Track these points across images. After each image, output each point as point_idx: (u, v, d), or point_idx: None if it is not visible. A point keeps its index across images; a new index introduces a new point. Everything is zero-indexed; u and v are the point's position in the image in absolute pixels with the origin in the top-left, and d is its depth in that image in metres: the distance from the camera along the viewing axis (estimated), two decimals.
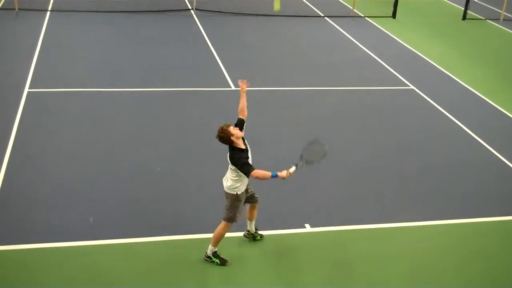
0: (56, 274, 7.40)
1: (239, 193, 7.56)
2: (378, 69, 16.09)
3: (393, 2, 21.72)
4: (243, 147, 7.43)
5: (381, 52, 17.42)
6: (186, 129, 11.74)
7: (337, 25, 20.22)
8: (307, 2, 22.92)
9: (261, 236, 8.41)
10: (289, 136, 11.62)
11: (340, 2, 23.47)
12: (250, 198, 7.91)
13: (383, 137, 12.01)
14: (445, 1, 25.62)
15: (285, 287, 7.53)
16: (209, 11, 20.62)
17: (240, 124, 7.62)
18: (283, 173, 7.39)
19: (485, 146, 11.79)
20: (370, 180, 10.27)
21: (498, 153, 11.51)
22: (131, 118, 12.07)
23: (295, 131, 11.92)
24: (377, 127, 12.44)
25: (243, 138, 7.50)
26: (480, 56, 18.07)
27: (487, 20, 22.46)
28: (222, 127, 7.31)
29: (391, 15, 21.72)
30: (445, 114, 13.22)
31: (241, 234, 8.38)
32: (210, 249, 7.82)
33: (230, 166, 7.44)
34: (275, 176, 7.30)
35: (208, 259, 7.83)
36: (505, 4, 22.74)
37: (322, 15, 21.40)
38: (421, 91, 14.47)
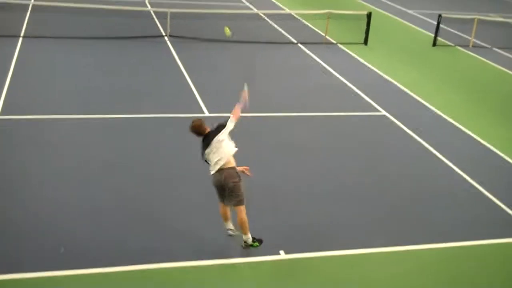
0: None
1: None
2: (351, 95, 16.26)
3: (364, 29, 22.05)
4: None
5: (354, 78, 17.62)
6: (160, 155, 11.69)
7: (310, 51, 20.43)
8: (280, 29, 23.14)
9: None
10: (261, 162, 11.63)
11: (313, 29, 23.76)
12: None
13: (355, 162, 12.09)
14: (415, 28, 26.09)
15: None
16: (183, 37, 20.69)
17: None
18: (244, 97, 9.09)
19: (456, 171, 11.93)
20: (344, 206, 10.31)
21: (469, 177, 11.66)
22: (104, 145, 11.98)
23: (267, 157, 11.95)
24: (349, 153, 12.53)
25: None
26: (451, 82, 18.39)
27: (457, 47, 22.91)
28: (193, 123, 8.59)
29: (363, 41, 22.03)
30: (416, 139, 13.37)
31: (214, 262, 8.33)
32: (247, 237, 8.45)
33: (219, 140, 8.39)
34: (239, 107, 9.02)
35: (250, 247, 8.49)
36: (473, 31, 23.24)
37: (295, 41, 21.62)
38: (393, 117, 14.64)
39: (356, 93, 16.40)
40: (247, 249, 8.54)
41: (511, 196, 11.01)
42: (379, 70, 18.86)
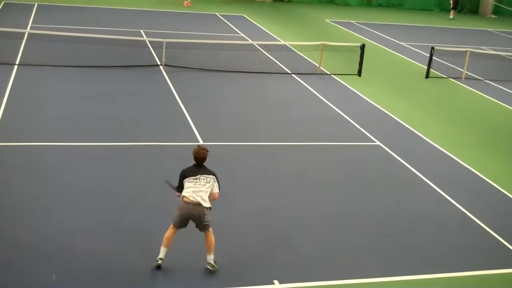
0: None
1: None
2: (344, 125, 16.34)
3: (358, 61, 22.24)
4: None
5: (348, 109, 17.72)
6: (154, 184, 11.65)
7: (304, 82, 20.56)
8: (274, 59, 23.31)
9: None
10: (256, 192, 11.63)
11: (307, 59, 23.94)
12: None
13: (349, 192, 12.10)
14: (408, 60, 26.33)
15: None
16: (178, 66, 20.81)
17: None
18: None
19: (449, 200, 11.96)
20: (339, 235, 10.29)
21: (463, 207, 11.68)
22: (96, 173, 11.95)
23: (263, 187, 11.94)
24: (344, 182, 12.54)
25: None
26: (444, 113, 18.52)
27: (450, 79, 23.11)
28: (203, 146, 8.93)
29: (356, 73, 22.20)
30: (411, 169, 13.41)
31: None
32: (213, 258, 8.73)
33: (206, 181, 8.68)
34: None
35: (214, 266, 8.72)
36: (466, 63, 23.47)
37: (289, 72, 21.78)
38: (386, 147, 14.69)
39: (350, 123, 16.48)
40: (212, 269, 8.69)
41: (505, 227, 11.03)
42: (373, 101, 18.98)
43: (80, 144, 13.31)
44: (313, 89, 19.70)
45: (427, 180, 12.87)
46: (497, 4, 46.33)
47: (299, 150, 14.21)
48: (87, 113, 15.42)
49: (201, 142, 13.86)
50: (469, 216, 11.38)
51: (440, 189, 12.48)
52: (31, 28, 24.90)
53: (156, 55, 21.92)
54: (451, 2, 41.42)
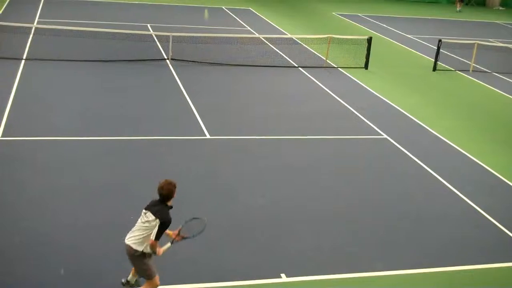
0: None
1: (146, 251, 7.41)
2: (352, 119, 16.29)
3: (365, 54, 22.16)
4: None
5: (354, 102, 17.67)
6: (160, 178, 11.63)
7: (311, 75, 20.52)
8: (281, 53, 23.27)
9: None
10: (263, 186, 11.63)
11: (314, 53, 23.88)
12: None
13: (357, 185, 12.08)
14: (415, 53, 26.23)
15: None
16: (185, 60, 20.80)
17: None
18: (159, 251, 7.43)
19: (457, 194, 11.92)
20: (345, 229, 10.28)
21: (470, 201, 11.65)
22: (104, 167, 11.98)
23: (270, 180, 11.94)
24: (351, 176, 12.52)
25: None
26: (451, 106, 18.44)
27: (457, 71, 23.01)
28: (170, 181, 7.52)
29: (363, 66, 22.14)
30: (418, 163, 13.37)
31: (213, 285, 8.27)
32: (134, 279, 7.87)
33: (147, 220, 7.30)
34: (153, 253, 7.42)
35: (129, 283, 7.90)
36: (473, 56, 23.36)
37: (296, 65, 21.73)
38: (394, 140, 14.65)
39: (357, 116, 16.44)
40: (127, 283, 7.99)
41: None
42: (380, 94, 18.92)
43: (86, 138, 13.33)
44: (320, 83, 19.65)
45: (434, 174, 12.83)
46: None
47: (306, 144, 14.19)
48: (94, 107, 15.45)
49: (208, 136, 13.87)
50: (476, 209, 11.34)
51: (447, 182, 12.44)
52: (38, 22, 24.97)
53: (163, 49, 21.92)
54: None
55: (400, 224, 10.60)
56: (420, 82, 21.24)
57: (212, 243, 9.31)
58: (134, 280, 7.97)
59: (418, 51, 26.60)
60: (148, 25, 26.61)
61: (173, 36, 21.25)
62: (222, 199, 9.85)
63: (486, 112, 18.21)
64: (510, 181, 12.84)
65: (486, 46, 25.03)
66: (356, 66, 22.08)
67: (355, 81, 20.42)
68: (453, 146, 14.69)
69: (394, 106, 17.74)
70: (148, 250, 7.34)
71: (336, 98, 18.05)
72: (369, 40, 22.17)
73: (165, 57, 21.11)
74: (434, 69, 22.81)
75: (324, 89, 19.00)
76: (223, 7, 33.85)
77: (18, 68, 18.33)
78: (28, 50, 20.54)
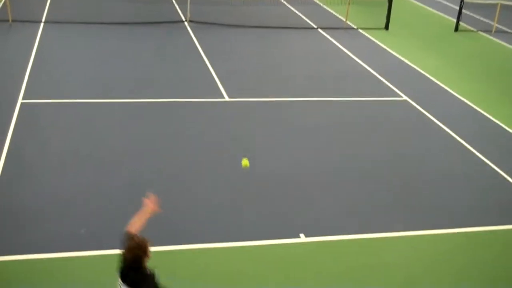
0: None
1: None
2: (372, 80, 16.14)
3: (385, 14, 21.83)
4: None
5: (374, 63, 17.48)
6: (180, 140, 11.71)
7: (331, 36, 20.29)
8: (300, 14, 23.00)
9: None
10: (285, 147, 11.62)
11: (333, 14, 23.58)
12: None
13: (377, 147, 12.02)
14: (437, 13, 25.78)
15: None
16: (203, 22, 20.65)
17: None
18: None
19: (479, 157, 11.82)
20: (365, 190, 10.27)
21: (493, 163, 11.55)
22: (124, 129, 12.04)
23: (287, 142, 11.93)
24: (371, 138, 12.46)
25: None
26: (473, 68, 18.17)
27: (479, 32, 22.60)
28: (138, 237, 5.32)
29: (383, 27, 21.83)
30: (439, 125, 13.26)
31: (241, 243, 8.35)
32: None
33: None
34: None
35: None
36: (496, 16, 22.90)
37: (315, 26, 21.48)
38: (414, 102, 14.51)
39: (377, 78, 16.28)
40: None
41: None
42: (400, 55, 18.69)
43: (105, 100, 13.37)
44: (340, 44, 19.44)
45: (455, 136, 12.71)
46: None
47: (325, 105, 14.10)
48: (113, 70, 15.47)
49: (227, 98, 13.83)
50: (497, 172, 11.25)
51: (469, 145, 12.32)
52: None
53: (181, 11, 21.77)
54: None
55: (421, 185, 10.56)
56: (442, 43, 20.91)
57: (231, 204, 9.36)
58: None
59: (439, 11, 26.13)
60: None
61: None
62: (240, 160, 9.79)
63: (509, 74, 17.91)
64: None
65: (510, 7, 24.50)
66: (376, 27, 21.78)
67: (375, 42, 20.17)
68: (474, 108, 14.52)
69: (414, 68, 17.53)
70: None
71: (356, 60, 17.86)
72: (390, 0, 21.81)
73: (183, 19, 20.97)
74: (456, 29, 22.43)
75: (343, 50, 18.79)
76: None
77: (37, 31, 18.34)
78: (47, 13, 20.52)
